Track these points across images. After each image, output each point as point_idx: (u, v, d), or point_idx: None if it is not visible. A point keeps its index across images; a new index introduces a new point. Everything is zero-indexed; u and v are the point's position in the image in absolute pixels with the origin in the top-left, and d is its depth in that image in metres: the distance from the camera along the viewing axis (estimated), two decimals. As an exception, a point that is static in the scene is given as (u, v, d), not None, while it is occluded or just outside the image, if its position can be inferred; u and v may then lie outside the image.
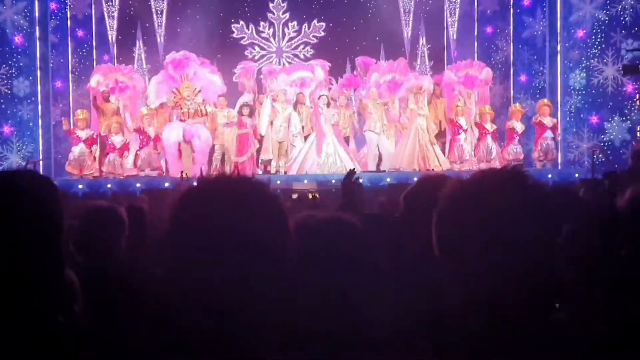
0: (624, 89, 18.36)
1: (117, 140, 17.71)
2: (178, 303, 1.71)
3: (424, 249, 2.85)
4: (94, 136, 17.92)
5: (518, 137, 18.22)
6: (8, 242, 1.73)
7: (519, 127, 18.21)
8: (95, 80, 18.77)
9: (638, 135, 17.51)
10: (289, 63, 21.71)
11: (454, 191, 1.89)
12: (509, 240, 1.75)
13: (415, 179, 3.33)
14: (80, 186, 16.57)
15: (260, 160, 18.36)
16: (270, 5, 22.23)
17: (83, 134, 17.64)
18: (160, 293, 1.78)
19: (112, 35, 20.95)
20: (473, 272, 1.80)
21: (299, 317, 1.91)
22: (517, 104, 18.96)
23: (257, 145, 18.12)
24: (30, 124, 19.24)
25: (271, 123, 18.07)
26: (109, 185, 16.79)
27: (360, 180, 7.71)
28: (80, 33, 21.04)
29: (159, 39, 21.10)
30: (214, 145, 17.90)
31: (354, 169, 5.32)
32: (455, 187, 1.90)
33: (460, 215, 1.82)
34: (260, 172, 18.14)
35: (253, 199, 1.74)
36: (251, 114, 17.99)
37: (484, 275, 1.78)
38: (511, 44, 20.72)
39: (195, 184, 1.80)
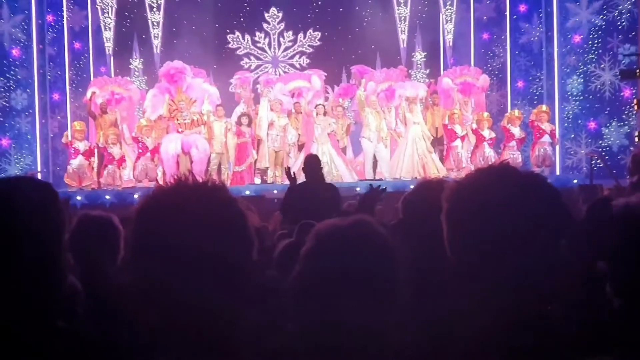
0: (622, 94, 18.39)
1: (115, 151, 17.70)
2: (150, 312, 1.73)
3: (424, 255, 2.84)
4: (92, 148, 17.92)
5: (516, 143, 18.10)
6: (7, 247, 1.72)
7: (517, 132, 18.13)
8: (92, 92, 18.75)
9: (636, 140, 17.50)
10: (285, 72, 21.73)
11: (454, 192, 1.93)
12: (520, 230, 1.81)
13: (411, 186, 3.31)
14: (78, 198, 16.53)
15: (256, 169, 18.36)
16: (266, 15, 22.27)
17: (81, 145, 17.61)
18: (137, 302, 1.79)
19: (108, 47, 20.96)
20: (488, 272, 1.83)
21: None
22: (516, 111, 18.86)
23: (256, 156, 18.13)
24: (28, 137, 19.28)
25: (267, 133, 18.06)
26: (107, 197, 16.77)
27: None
28: (77, 45, 21.05)
29: (155, 51, 21.11)
30: (211, 154, 17.92)
31: (384, 188, 5.27)
32: (453, 188, 1.95)
33: (465, 214, 1.88)
34: (257, 181, 18.17)
35: (210, 206, 1.73)
36: (250, 124, 18.01)
37: (500, 273, 1.81)
38: (508, 50, 20.70)
39: (152, 192, 1.80)
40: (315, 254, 2.01)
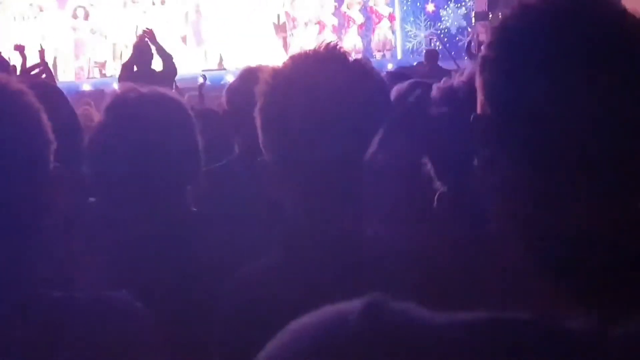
0: (458, -25, 18.56)
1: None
2: None
3: (248, 148, 2.76)
4: None
5: (357, 28, 18.08)
6: None
7: (358, 17, 18.13)
8: None
9: (473, 21, 17.88)
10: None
11: (269, 83, 1.69)
12: (340, 124, 1.57)
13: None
14: None
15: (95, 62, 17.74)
16: None
17: None
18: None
19: None
20: (306, 168, 1.62)
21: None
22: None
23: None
24: None
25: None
26: None
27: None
28: None
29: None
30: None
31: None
32: (268, 79, 1.69)
33: (281, 107, 1.63)
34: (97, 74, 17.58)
35: None
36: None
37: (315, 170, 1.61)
38: None
39: None
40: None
